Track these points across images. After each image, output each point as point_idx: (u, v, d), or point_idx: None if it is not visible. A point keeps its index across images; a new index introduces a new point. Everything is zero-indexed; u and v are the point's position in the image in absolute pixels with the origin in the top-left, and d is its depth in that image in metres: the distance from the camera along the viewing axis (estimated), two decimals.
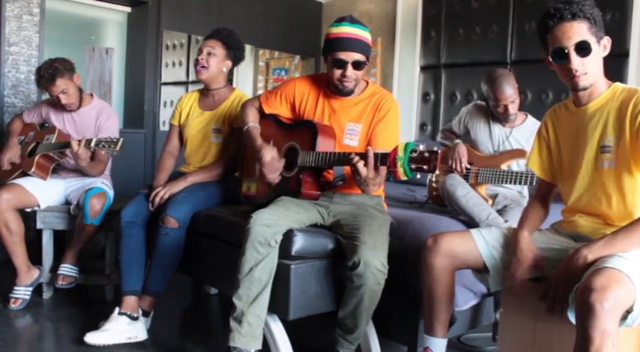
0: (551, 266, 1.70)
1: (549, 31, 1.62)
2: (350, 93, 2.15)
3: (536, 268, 1.71)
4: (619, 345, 1.34)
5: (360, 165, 1.84)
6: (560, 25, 1.60)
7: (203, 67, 2.59)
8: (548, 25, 1.62)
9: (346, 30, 2.07)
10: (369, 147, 1.88)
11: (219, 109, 2.67)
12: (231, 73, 2.75)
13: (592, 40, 1.59)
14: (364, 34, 2.10)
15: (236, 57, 2.68)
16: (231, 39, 2.64)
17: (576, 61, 1.59)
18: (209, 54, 2.59)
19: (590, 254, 1.50)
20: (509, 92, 2.51)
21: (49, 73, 2.73)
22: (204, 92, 2.74)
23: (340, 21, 2.10)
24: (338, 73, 2.09)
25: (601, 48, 1.63)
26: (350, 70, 2.08)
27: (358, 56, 2.07)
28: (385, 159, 1.78)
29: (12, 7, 3.56)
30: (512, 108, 2.55)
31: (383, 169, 1.95)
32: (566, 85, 1.68)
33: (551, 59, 1.65)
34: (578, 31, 1.58)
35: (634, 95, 1.59)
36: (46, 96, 3.01)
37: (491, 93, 2.54)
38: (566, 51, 1.59)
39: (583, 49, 1.58)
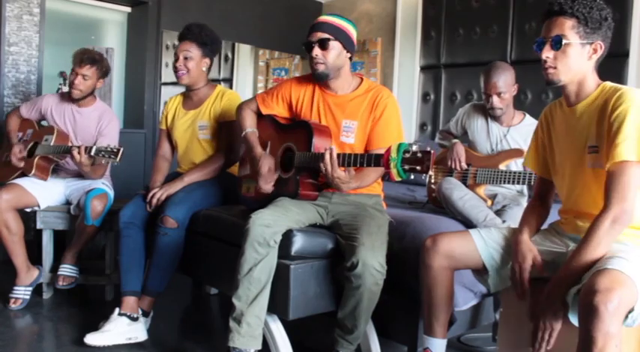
0: (549, 268, 1.70)
1: (543, 22, 1.67)
2: (324, 77, 2.13)
3: (536, 269, 1.70)
4: (621, 346, 1.34)
5: (323, 164, 1.85)
6: (549, 19, 1.65)
7: (183, 72, 2.61)
8: (543, 17, 1.67)
9: (317, 20, 2.14)
10: (332, 147, 1.89)
11: (202, 107, 2.69)
12: (210, 69, 2.74)
13: (573, 39, 1.60)
14: (333, 19, 2.12)
15: (212, 51, 2.68)
16: (205, 36, 2.62)
17: (546, 53, 1.62)
18: (186, 58, 2.60)
19: (557, 288, 1.53)
20: (499, 83, 2.50)
21: (93, 56, 2.87)
22: (187, 93, 2.76)
23: None
24: (309, 56, 2.12)
25: (586, 51, 1.62)
26: (316, 50, 2.08)
27: (323, 35, 2.08)
28: (379, 160, 1.77)
29: (12, 7, 3.56)
30: (497, 102, 2.54)
31: (365, 169, 1.95)
32: None
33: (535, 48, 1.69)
34: (559, 25, 1.61)
35: (615, 93, 1.58)
36: (45, 91, 3.01)
37: (482, 81, 2.56)
38: (544, 41, 1.63)
39: (556, 42, 1.61)
